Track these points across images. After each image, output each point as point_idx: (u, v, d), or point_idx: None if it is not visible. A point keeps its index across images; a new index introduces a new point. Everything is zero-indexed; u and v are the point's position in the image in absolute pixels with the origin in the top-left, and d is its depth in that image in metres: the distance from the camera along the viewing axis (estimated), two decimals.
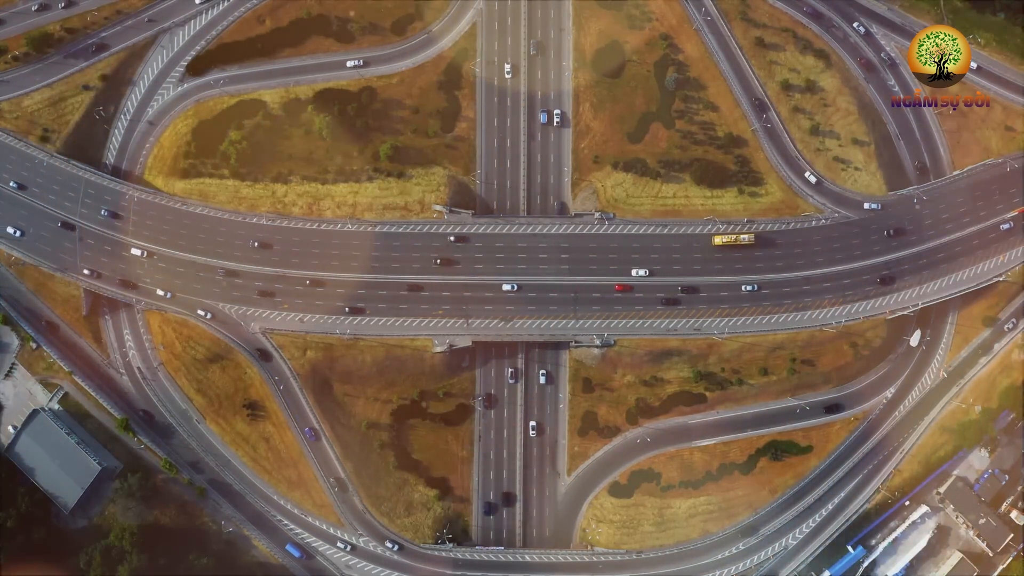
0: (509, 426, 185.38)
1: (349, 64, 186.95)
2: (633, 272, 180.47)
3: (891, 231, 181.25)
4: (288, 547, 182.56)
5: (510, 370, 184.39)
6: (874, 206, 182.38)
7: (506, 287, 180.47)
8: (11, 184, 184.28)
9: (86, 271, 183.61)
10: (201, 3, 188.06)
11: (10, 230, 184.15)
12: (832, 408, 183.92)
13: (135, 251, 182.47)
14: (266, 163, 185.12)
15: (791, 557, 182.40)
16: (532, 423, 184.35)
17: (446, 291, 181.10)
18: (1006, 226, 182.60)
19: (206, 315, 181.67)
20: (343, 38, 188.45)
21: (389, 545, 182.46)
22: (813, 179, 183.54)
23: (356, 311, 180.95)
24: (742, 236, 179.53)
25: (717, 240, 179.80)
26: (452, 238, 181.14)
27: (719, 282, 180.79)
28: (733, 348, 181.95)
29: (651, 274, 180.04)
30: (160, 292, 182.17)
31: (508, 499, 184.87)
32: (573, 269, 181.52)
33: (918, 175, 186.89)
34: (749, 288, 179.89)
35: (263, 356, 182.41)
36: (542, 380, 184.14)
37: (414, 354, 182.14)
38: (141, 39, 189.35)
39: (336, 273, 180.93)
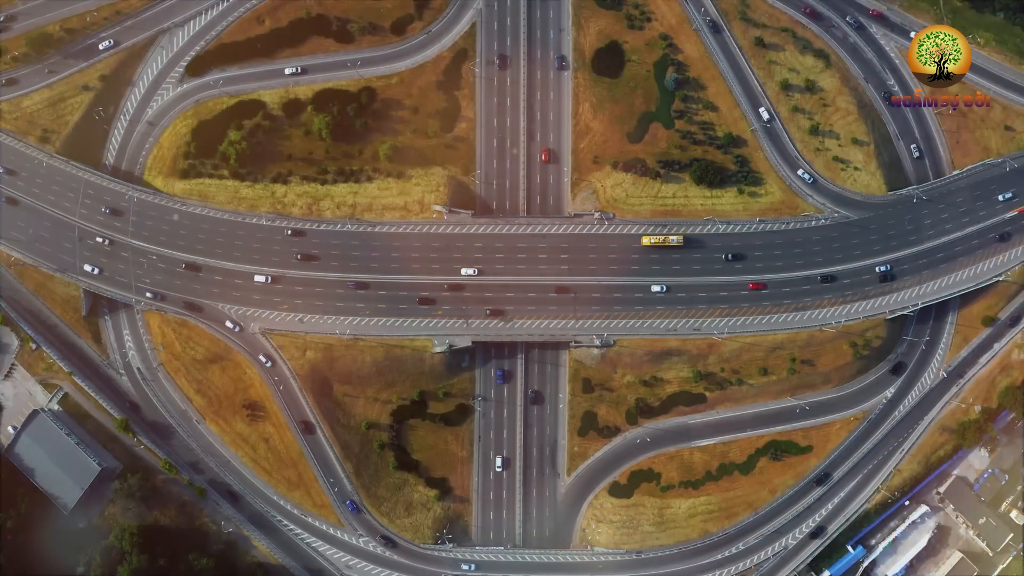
0: (509, 426, 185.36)
1: (287, 71, 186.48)
2: (463, 271, 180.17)
3: (730, 255, 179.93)
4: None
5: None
6: (806, 176, 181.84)
7: (655, 288, 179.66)
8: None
9: (149, 294, 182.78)
10: (104, 50, 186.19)
11: (87, 267, 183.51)
12: (897, 368, 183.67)
13: (259, 278, 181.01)
14: (266, 163, 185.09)
15: (791, 557, 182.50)
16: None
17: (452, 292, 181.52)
18: (882, 268, 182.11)
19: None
20: (342, 38, 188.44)
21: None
22: (766, 115, 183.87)
23: (497, 314, 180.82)
24: (671, 238, 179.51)
25: (645, 241, 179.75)
26: (288, 231, 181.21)
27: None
28: (733, 348, 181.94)
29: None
30: (230, 324, 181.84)
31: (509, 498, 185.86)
32: (573, 269, 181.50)
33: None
34: (883, 269, 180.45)
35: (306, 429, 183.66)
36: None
37: (414, 354, 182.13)
38: (141, 39, 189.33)
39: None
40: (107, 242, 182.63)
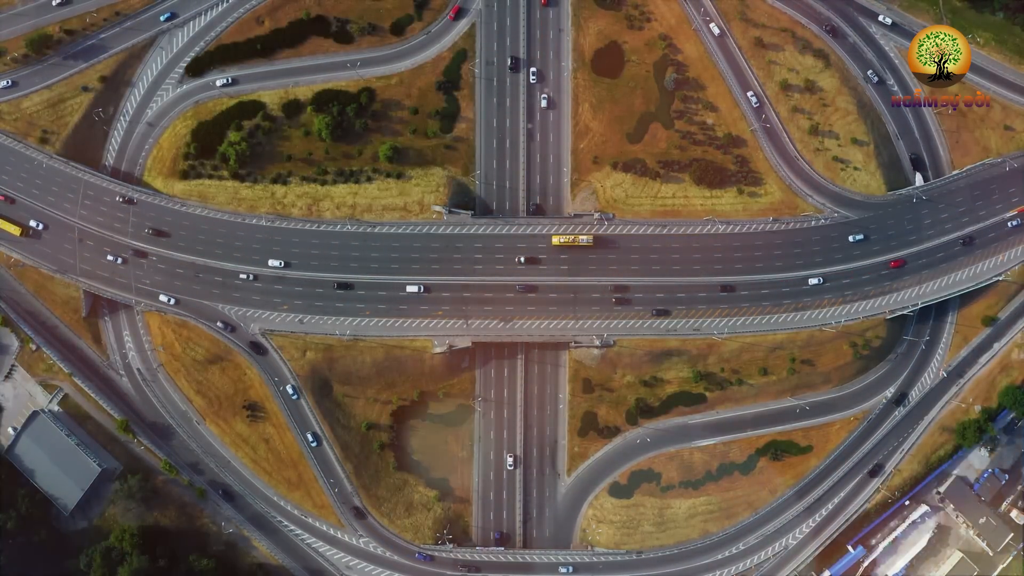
0: (509, 427, 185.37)
1: (218, 83, 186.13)
2: (271, 263, 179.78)
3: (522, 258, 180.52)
4: None
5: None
6: (753, 99, 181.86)
7: (812, 280, 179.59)
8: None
9: (219, 323, 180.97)
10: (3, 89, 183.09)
11: (163, 298, 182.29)
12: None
13: (411, 288, 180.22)
14: (265, 164, 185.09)
15: (791, 557, 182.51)
16: (533, 69, 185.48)
17: (446, 291, 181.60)
18: (1014, 223, 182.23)
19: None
20: (342, 39, 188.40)
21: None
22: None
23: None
24: (581, 237, 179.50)
25: (555, 240, 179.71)
26: (120, 199, 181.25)
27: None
28: (733, 348, 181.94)
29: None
30: (289, 388, 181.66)
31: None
32: (573, 269, 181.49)
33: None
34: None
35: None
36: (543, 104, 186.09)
37: (414, 355, 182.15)
38: (140, 40, 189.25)
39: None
40: (251, 276, 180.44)
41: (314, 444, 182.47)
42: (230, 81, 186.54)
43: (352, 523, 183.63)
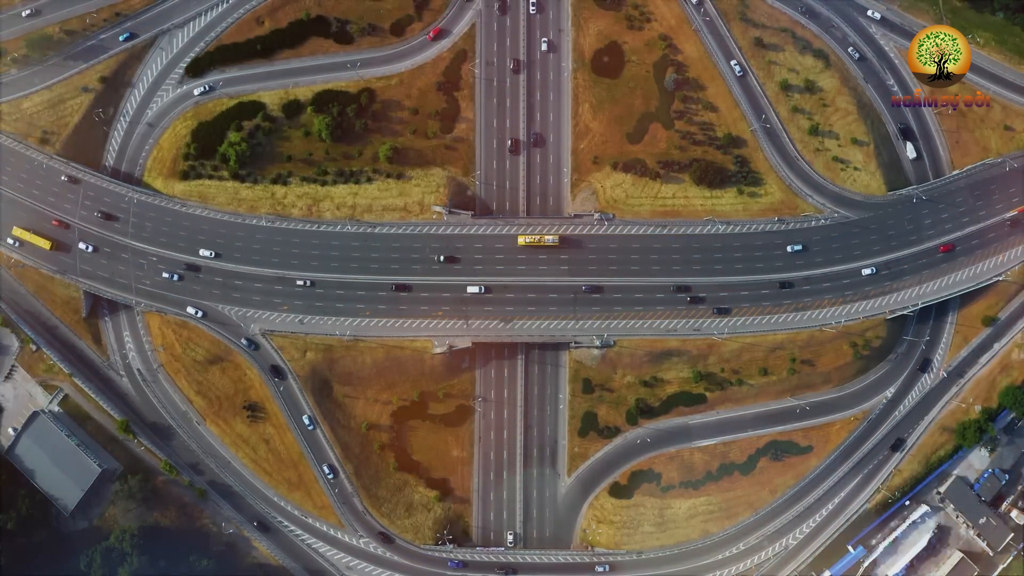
0: (509, 427, 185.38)
1: (196, 92, 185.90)
2: (201, 252, 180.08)
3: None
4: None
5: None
6: (737, 69, 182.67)
7: (866, 271, 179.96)
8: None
9: (245, 340, 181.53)
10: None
11: (190, 310, 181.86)
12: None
13: (472, 288, 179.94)
14: (265, 164, 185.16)
15: (791, 557, 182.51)
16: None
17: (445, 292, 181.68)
18: None
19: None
20: (342, 39, 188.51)
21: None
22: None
23: None
24: (547, 237, 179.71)
25: (521, 240, 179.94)
26: (65, 178, 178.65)
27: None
28: (733, 348, 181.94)
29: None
30: (306, 419, 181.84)
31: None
32: (573, 269, 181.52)
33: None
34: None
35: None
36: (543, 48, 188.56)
37: (414, 355, 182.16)
38: (140, 41, 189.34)
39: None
40: (308, 283, 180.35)
41: (331, 476, 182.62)
42: (207, 88, 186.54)
43: (365, 533, 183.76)
